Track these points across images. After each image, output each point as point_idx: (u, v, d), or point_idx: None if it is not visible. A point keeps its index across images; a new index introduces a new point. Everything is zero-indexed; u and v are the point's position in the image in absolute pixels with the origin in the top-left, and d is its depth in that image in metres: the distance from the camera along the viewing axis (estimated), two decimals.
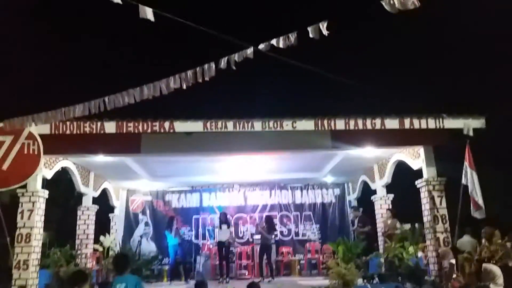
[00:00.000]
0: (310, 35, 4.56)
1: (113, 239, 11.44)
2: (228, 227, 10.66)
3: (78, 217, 10.22)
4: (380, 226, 10.54)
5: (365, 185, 11.89)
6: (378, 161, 10.49)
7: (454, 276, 6.79)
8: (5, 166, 7.56)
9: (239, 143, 8.21)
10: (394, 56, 20.11)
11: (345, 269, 7.74)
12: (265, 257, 10.59)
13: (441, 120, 8.16)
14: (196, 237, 12.86)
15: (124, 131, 7.78)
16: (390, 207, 10.51)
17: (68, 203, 11.81)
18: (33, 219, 7.72)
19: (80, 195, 10.35)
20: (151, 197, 13.15)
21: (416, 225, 9.29)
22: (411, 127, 8.16)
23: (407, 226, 9.52)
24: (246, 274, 11.50)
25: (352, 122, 8.08)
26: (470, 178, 7.85)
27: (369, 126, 8.10)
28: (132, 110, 6.37)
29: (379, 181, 10.77)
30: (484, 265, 6.63)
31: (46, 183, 8.27)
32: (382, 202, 10.63)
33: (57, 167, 8.62)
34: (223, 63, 4.99)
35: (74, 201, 10.65)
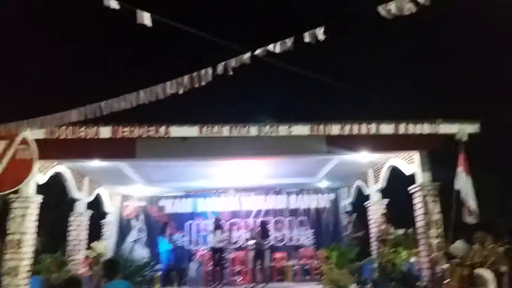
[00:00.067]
0: (306, 40, 4.59)
1: (106, 245, 11.35)
2: (222, 232, 10.63)
3: (70, 223, 10.13)
4: (374, 231, 10.57)
5: (360, 190, 11.92)
6: (373, 166, 10.53)
7: (447, 281, 6.82)
8: None
9: (234, 148, 8.21)
10: (389, 61, 20.26)
11: (338, 275, 7.76)
12: (258, 262, 10.56)
13: (435, 125, 8.23)
14: (190, 243, 12.80)
15: (119, 136, 7.76)
16: (385, 212, 10.54)
17: (61, 208, 11.70)
18: (25, 224, 7.64)
19: (73, 201, 10.28)
20: (145, 202, 13.09)
21: (410, 230, 9.32)
22: (406, 132, 8.20)
23: (401, 231, 9.56)
24: (239, 280, 11.46)
25: (347, 127, 8.11)
26: (463, 183, 7.90)
27: (364, 131, 8.13)
28: (127, 115, 6.35)
29: (373, 186, 10.81)
30: (476, 270, 6.69)
31: (39, 188, 8.20)
32: (376, 207, 10.66)
33: (51, 172, 8.56)
34: (220, 68, 5.00)
35: (67, 206, 10.55)
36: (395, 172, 9.82)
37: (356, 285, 8.50)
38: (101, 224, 12.37)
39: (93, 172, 9.94)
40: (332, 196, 13.39)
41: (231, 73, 4.97)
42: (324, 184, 12.71)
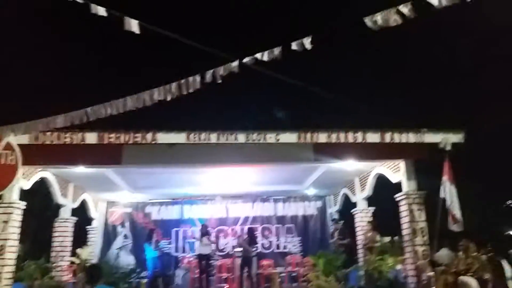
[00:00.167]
0: (293, 47, 4.63)
1: (91, 252, 11.21)
2: (209, 239, 10.58)
3: (55, 229, 9.99)
4: (360, 238, 10.61)
5: (347, 198, 11.99)
6: (359, 174, 10.61)
7: None
8: None
9: (222, 155, 8.20)
10: (375, 70, 20.52)
11: (325, 282, 7.77)
12: (245, 270, 10.52)
13: (421, 134, 8.34)
14: (176, 250, 12.70)
15: (106, 142, 7.70)
16: (371, 220, 10.60)
17: (45, 214, 11.56)
18: (8, 230, 7.52)
19: (58, 207, 10.14)
20: (131, 209, 12.97)
21: (396, 238, 9.39)
22: (392, 141, 8.30)
23: (387, 239, 9.62)
24: (226, 287, 11.39)
25: (334, 136, 8.19)
26: (448, 191, 8.00)
27: (350, 140, 8.21)
28: (114, 121, 6.31)
29: (360, 194, 10.88)
30: (460, 277, 6.76)
31: (22, 194, 8.08)
32: (363, 215, 10.72)
33: (35, 178, 8.44)
34: (208, 76, 5.00)
35: (51, 212, 10.41)
36: (381, 181, 9.91)
37: None
38: (86, 230, 12.22)
39: (78, 178, 9.83)
40: (319, 203, 13.43)
41: (219, 81, 4.97)
42: (311, 191, 12.75)
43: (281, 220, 13.23)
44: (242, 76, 5.02)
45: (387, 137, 8.29)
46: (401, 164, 8.67)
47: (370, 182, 10.19)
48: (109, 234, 12.65)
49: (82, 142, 7.68)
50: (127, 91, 5.42)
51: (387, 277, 8.53)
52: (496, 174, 13.75)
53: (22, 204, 7.92)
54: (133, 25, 4.53)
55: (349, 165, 9.08)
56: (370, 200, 10.76)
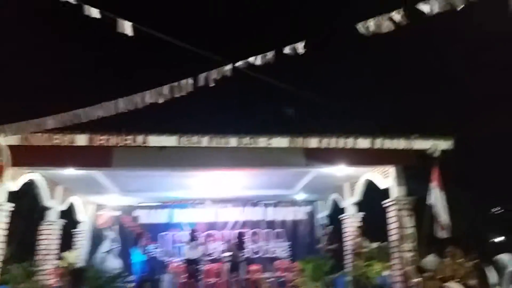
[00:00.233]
0: (286, 51, 4.66)
1: (77, 255, 11.09)
2: (198, 244, 10.54)
3: (41, 232, 9.87)
4: (348, 244, 10.65)
5: (336, 203, 12.03)
6: (349, 179, 10.66)
7: None
8: None
9: (213, 158, 8.19)
10: (366, 76, 20.67)
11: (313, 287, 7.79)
12: (233, 274, 10.49)
13: (411, 140, 8.42)
14: (164, 254, 12.62)
15: (96, 144, 7.64)
16: (360, 225, 10.65)
17: (32, 216, 11.39)
18: None
19: (45, 209, 10.02)
20: (119, 212, 12.87)
21: (383, 243, 9.44)
22: (382, 147, 8.37)
23: (375, 245, 9.67)
24: None
25: (325, 141, 8.22)
26: (436, 198, 8.08)
27: (341, 145, 8.26)
28: (104, 123, 6.27)
29: (349, 199, 10.93)
30: (446, 284, 6.84)
31: (10, 195, 7.97)
32: (352, 220, 10.77)
33: (23, 180, 8.34)
34: (200, 79, 5.01)
35: (38, 214, 10.27)
36: (371, 186, 9.97)
37: None
38: (74, 233, 12.09)
39: (68, 180, 9.73)
40: (308, 208, 13.47)
41: (212, 84, 4.99)
42: (301, 196, 12.78)
43: (270, 225, 13.23)
44: (235, 79, 5.04)
45: (378, 143, 8.36)
46: (391, 170, 8.74)
47: (360, 187, 10.25)
48: (97, 238, 12.50)
49: (72, 144, 7.61)
50: (119, 93, 5.41)
51: (375, 283, 8.57)
52: (483, 181, 13.92)
53: (10, 206, 7.81)
54: (126, 27, 4.53)
55: (340, 170, 9.13)
56: (360, 206, 10.82)
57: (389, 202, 8.67)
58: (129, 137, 7.70)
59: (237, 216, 13.14)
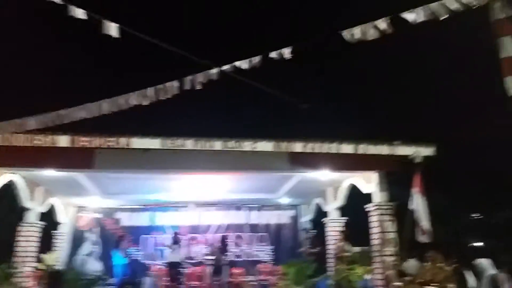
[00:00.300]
0: (272, 56, 4.69)
1: (57, 257, 10.88)
2: (180, 247, 10.46)
3: (20, 233, 9.66)
4: (331, 248, 10.71)
5: (320, 208, 12.09)
6: (332, 184, 10.73)
7: None
8: None
9: (197, 162, 8.16)
10: (351, 83, 20.87)
11: None
12: (216, 278, 10.45)
13: (393, 147, 8.54)
14: (146, 256, 12.49)
15: (78, 145, 7.54)
16: (343, 229, 10.72)
17: (11, 218, 11.16)
18: None
19: (24, 210, 9.82)
20: (100, 214, 12.70)
21: (365, 247, 9.52)
22: (365, 153, 8.46)
23: (357, 249, 9.74)
24: None
25: (309, 145, 8.29)
26: (418, 203, 8.20)
27: (325, 150, 8.32)
28: (87, 124, 6.18)
29: (332, 203, 11.00)
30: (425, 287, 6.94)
31: None
32: (335, 225, 10.83)
33: (3, 180, 8.18)
34: (186, 82, 4.99)
35: (17, 216, 10.06)
36: (354, 191, 10.05)
37: None
38: (54, 235, 11.87)
39: (48, 181, 9.57)
40: (292, 212, 13.50)
41: (197, 87, 4.97)
42: (285, 200, 12.81)
43: (254, 228, 13.22)
44: (221, 83, 5.04)
45: (361, 149, 8.45)
46: (373, 176, 8.84)
47: (343, 192, 10.33)
48: (77, 240, 12.33)
49: (54, 145, 7.49)
50: (103, 94, 5.35)
51: (356, 286, 8.63)
52: (464, 187, 14.17)
53: None
54: (112, 29, 4.49)
55: (323, 175, 9.19)
56: (343, 210, 10.90)
57: (371, 206, 8.76)
58: (112, 138, 7.63)
59: (220, 220, 13.09)
